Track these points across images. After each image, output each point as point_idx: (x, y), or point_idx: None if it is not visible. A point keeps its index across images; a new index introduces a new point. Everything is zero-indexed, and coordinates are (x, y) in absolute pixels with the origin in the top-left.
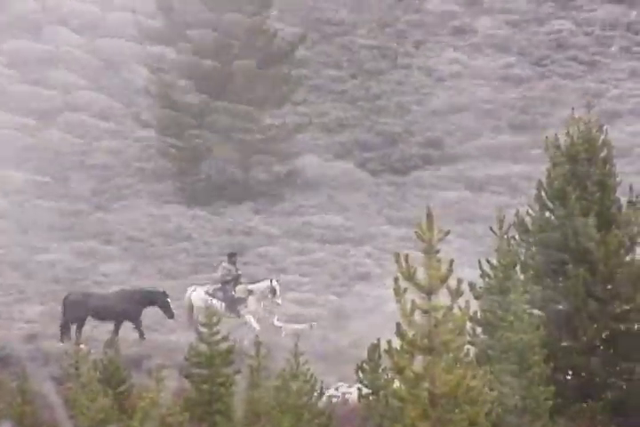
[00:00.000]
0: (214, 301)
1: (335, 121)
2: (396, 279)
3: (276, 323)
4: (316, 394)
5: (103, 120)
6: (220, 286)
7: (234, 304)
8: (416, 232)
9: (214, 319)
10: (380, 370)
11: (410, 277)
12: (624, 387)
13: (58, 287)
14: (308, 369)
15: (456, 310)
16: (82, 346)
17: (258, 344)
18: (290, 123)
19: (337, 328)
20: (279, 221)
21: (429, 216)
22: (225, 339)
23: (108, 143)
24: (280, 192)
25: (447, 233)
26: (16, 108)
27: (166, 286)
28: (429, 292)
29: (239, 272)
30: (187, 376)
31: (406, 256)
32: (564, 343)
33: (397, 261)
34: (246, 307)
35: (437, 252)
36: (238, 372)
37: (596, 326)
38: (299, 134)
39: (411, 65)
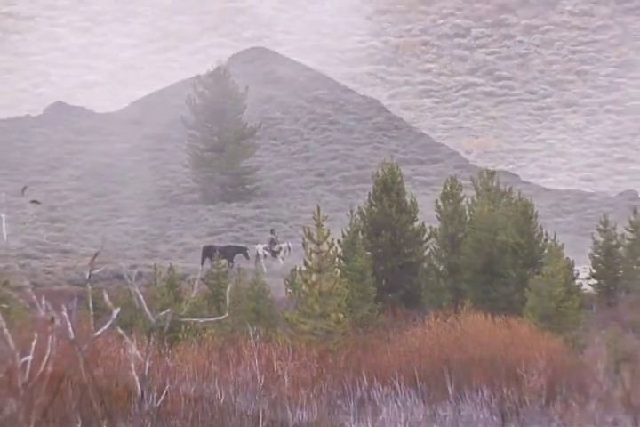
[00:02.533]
0: (266, 251)
1: (275, 164)
2: (303, 238)
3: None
4: (264, 292)
5: (167, 164)
6: (268, 244)
7: (274, 253)
8: (313, 217)
9: (219, 260)
10: (296, 280)
11: (310, 237)
12: (407, 287)
13: (144, 242)
14: (263, 281)
15: (331, 252)
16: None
17: (239, 270)
18: (253, 165)
19: (277, 261)
20: (249, 212)
21: (318, 209)
22: (224, 266)
23: (169, 175)
24: (249, 198)
25: (326, 217)
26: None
27: (195, 242)
28: (319, 244)
29: (277, 238)
30: (206, 284)
31: (309, 228)
32: (381, 267)
33: (304, 230)
34: (279, 254)
35: (322, 225)
36: (230, 282)
37: (395, 259)
38: (257, 171)
39: (309, 138)
